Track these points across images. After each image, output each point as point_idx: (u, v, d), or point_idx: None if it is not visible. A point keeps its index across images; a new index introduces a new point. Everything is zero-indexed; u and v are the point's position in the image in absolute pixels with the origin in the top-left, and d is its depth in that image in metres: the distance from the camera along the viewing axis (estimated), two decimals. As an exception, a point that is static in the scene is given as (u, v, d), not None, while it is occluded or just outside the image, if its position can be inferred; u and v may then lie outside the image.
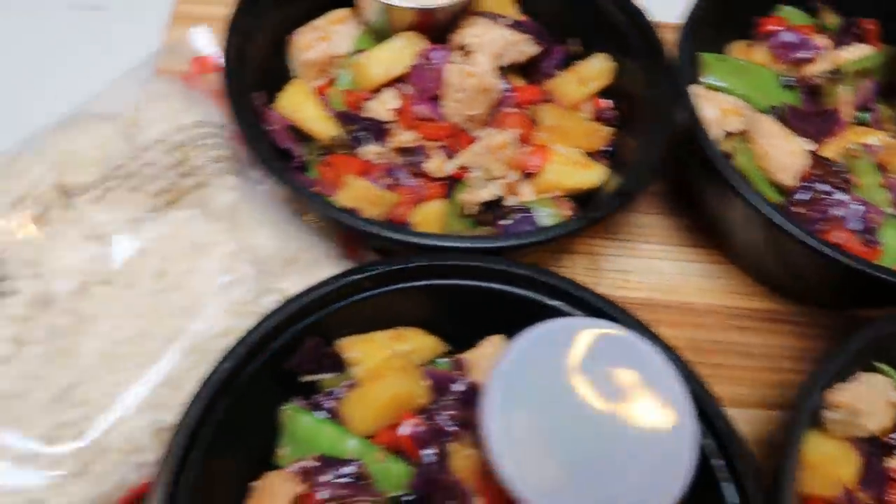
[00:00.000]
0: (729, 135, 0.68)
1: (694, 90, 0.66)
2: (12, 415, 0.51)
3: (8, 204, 0.57)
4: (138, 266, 0.56)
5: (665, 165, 0.62)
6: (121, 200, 0.58)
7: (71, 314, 0.54)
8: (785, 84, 0.71)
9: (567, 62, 0.72)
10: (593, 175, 0.66)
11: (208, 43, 0.74)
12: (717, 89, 0.69)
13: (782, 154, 0.65)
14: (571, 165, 0.66)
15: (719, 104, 0.68)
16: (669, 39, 0.66)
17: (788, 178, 0.65)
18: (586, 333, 0.46)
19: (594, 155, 0.68)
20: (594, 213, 0.56)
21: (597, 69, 0.69)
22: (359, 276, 0.50)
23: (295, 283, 0.57)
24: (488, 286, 0.53)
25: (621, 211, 0.58)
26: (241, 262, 0.57)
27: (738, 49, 0.75)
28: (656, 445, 0.44)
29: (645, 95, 0.65)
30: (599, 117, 0.69)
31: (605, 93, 0.70)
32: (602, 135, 0.68)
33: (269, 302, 0.55)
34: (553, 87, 0.69)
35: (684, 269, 0.73)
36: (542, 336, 0.46)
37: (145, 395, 0.52)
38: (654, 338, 0.49)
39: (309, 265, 0.60)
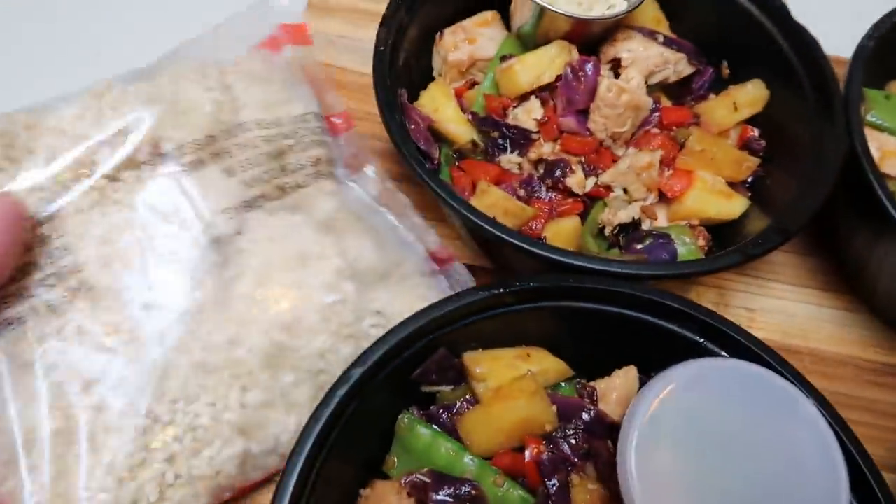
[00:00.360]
0: (886, 176, 0.64)
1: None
2: (102, 429, 0.47)
3: (99, 143, 0.51)
4: (238, 267, 0.52)
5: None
6: (213, 180, 0.53)
7: (167, 311, 0.50)
8: (950, 129, 0.66)
9: (713, 85, 0.69)
10: (735, 206, 0.63)
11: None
12: (879, 128, 0.65)
13: (946, 204, 0.61)
14: (715, 194, 0.62)
15: (881, 145, 0.63)
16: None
17: (951, 229, 0.60)
18: (741, 377, 0.44)
19: (735, 185, 0.65)
20: (753, 250, 0.52)
21: (751, 96, 0.65)
22: (503, 291, 0.48)
23: (388, 301, 0.55)
24: (629, 314, 0.50)
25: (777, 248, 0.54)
26: (345, 281, 0.54)
27: (899, 87, 0.70)
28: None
29: (803, 129, 0.62)
30: (746, 146, 0.66)
31: (750, 120, 0.67)
32: (749, 165, 0.64)
33: (367, 325, 0.54)
34: (703, 110, 0.66)
35: (817, 313, 0.69)
36: (693, 375, 0.44)
37: (236, 419, 0.50)
38: (812, 390, 0.46)
39: (401, 280, 0.57)
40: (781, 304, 0.69)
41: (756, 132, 0.66)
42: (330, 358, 0.53)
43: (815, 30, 0.63)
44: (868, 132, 0.64)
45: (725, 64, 0.69)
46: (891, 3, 0.66)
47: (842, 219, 0.65)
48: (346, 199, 0.59)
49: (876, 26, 0.64)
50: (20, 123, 0.52)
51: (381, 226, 0.60)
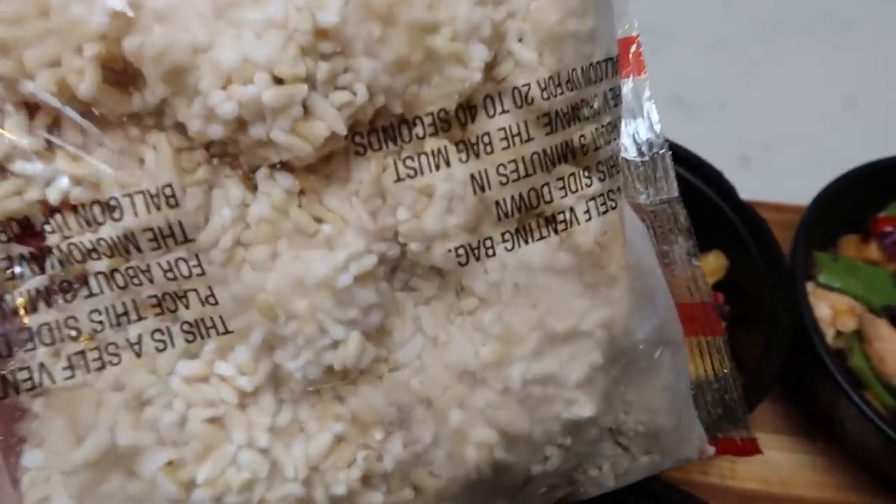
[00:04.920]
0: (840, 333, 0.70)
1: (808, 289, 0.68)
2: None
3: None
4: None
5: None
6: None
7: None
8: (897, 283, 0.73)
9: (678, 253, 0.76)
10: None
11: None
12: (830, 289, 0.71)
13: (898, 359, 0.67)
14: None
15: (833, 304, 0.70)
16: (790, 220, 0.71)
17: (905, 383, 0.66)
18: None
19: (705, 347, 0.70)
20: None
21: (712, 266, 0.72)
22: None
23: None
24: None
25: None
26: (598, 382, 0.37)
27: (850, 243, 0.76)
28: None
29: (760, 294, 0.68)
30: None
31: (717, 286, 0.73)
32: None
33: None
34: (671, 282, 0.72)
35: (796, 460, 0.73)
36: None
37: None
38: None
39: (648, 370, 0.43)
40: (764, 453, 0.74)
41: (722, 298, 0.73)
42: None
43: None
44: (820, 293, 0.71)
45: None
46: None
47: (805, 374, 0.71)
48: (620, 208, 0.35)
49: (816, 200, 0.72)
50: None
51: (647, 260, 0.37)
